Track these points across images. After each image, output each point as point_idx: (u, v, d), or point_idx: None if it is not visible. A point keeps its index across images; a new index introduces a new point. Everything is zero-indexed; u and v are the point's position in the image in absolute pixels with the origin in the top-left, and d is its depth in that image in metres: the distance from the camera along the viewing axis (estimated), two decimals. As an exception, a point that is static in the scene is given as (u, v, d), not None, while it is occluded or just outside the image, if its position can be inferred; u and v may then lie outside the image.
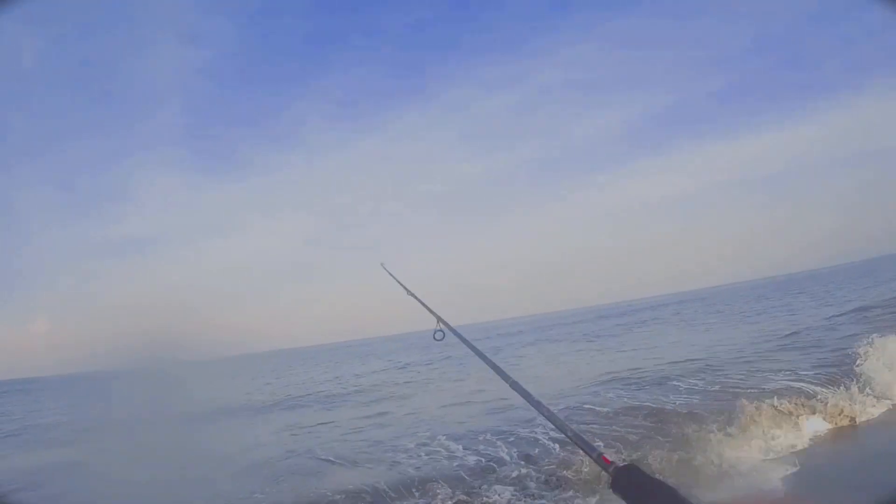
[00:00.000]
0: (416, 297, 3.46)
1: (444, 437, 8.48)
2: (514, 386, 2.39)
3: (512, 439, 7.86)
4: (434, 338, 3.29)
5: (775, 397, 8.19)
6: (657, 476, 1.56)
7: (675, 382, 10.56)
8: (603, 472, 1.63)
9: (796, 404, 8.05)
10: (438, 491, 6.26)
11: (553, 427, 2.04)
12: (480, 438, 8.14)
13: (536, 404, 2.15)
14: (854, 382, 8.74)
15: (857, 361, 9.35)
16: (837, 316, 18.23)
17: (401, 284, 3.65)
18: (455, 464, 7.26)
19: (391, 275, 3.77)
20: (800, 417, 7.76)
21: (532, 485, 6.27)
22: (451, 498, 6.10)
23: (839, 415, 7.87)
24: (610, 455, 1.66)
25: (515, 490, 6.16)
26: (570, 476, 6.24)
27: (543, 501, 5.93)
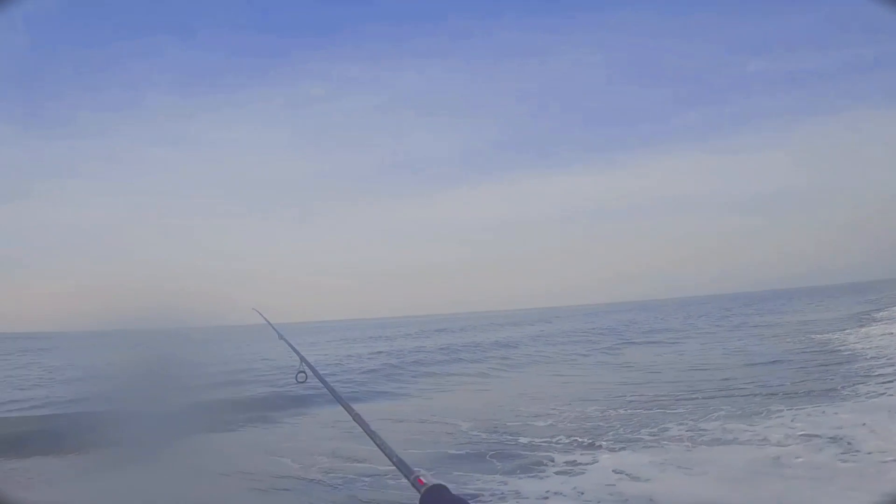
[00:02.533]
0: (287, 343, 3.68)
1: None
2: (357, 419, 2.57)
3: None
4: (297, 380, 3.46)
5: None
6: (463, 496, 1.67)
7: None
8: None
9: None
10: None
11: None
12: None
13: (371, 433, 2.33)
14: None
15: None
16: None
17: (274, 329, 3.86)
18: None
19: (266, 319, 3.96)
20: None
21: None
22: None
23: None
24: (426, 478, 1.74)
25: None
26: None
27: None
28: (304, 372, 3.45)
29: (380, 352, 26.70)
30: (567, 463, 7.53)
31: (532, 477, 7.10)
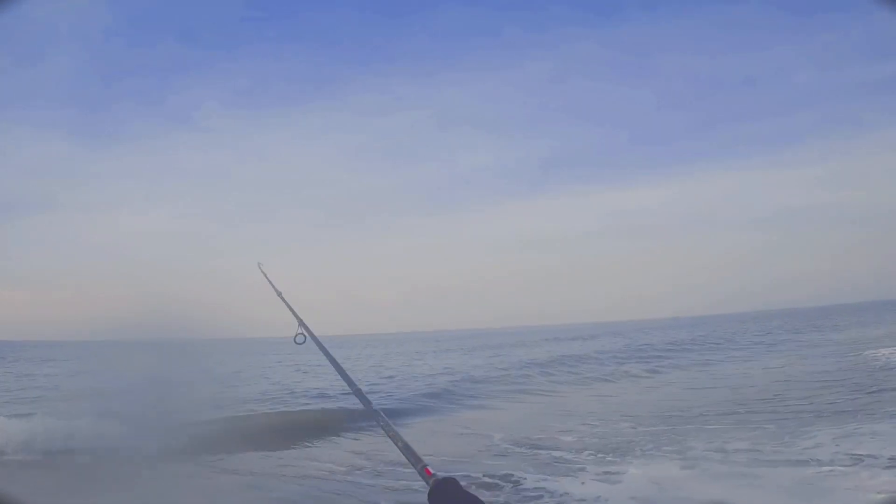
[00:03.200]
0: (283, 300, 3.50)
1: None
2: (358, 394, 2.49)
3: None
4: (295, 341, 3.37)
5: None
6: (471, 491, 1.62)
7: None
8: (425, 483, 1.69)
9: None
10: None
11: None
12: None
13: (374, 413, 2.28)
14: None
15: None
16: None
17: (272, 286, 3.68)
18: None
19: (265, 275, 3.79)
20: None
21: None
22: None
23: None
24: (434, 468, 1.73)
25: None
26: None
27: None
28: (302, 334, 3.39)
29: (478, 364, 25.49)
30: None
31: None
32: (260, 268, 3.99)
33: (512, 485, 7.01)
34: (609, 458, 8.00)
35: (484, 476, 7.38)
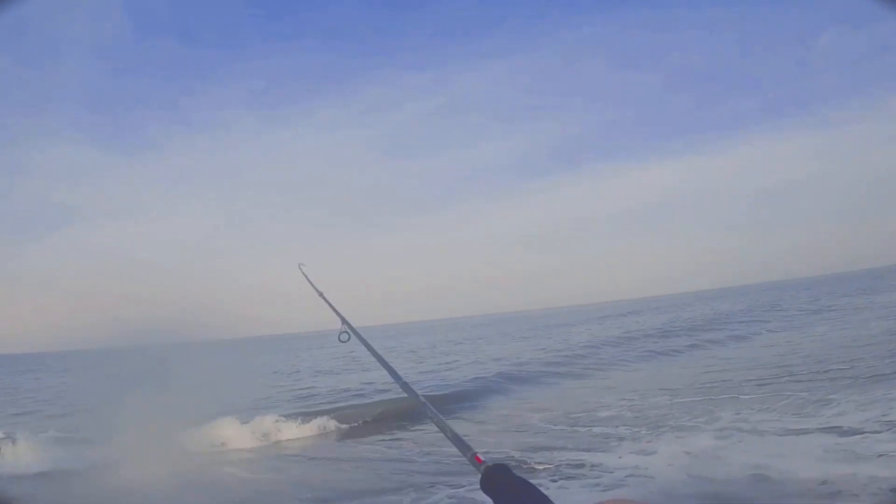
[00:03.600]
0: (326, 300, 3.74)
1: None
2: (405, 387, 2.56)
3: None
4: (339, 339, 3.48)
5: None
6: (523, 476, 1.63)
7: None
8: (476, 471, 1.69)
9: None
10: None
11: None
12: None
13: (422, 405, 2.30)
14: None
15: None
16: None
17: (313, 286, 3.95)
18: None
19: (305, 276, 4.07)
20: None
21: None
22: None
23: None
24: (483, 456, 1.73)
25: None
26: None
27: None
28: (346, 332, 3.48)
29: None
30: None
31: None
32: (300, 269, 4.24)
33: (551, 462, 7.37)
34: (643, 432, 8.28)
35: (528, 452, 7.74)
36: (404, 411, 11.53)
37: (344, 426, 12.02)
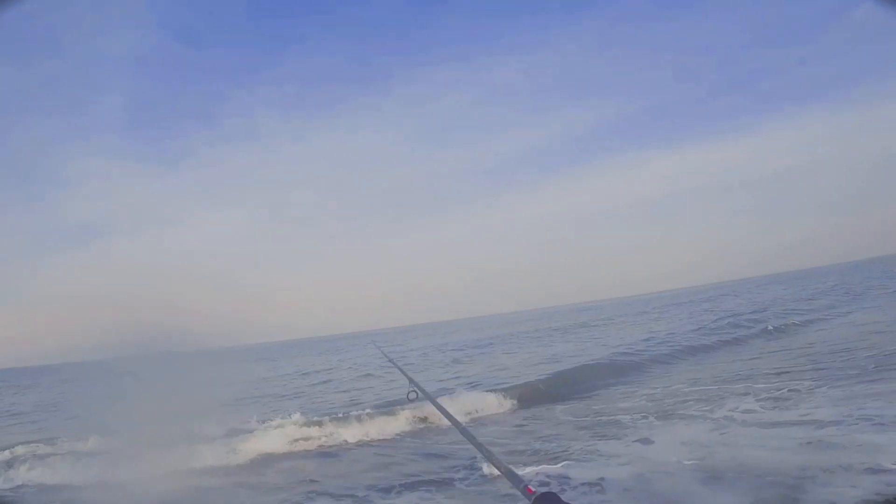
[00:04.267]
0: (397, 366, 4.94)
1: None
2: (464, 432, 2.69)
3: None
4: (408, 398, 3.93)
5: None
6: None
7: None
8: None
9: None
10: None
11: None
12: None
13: (478, 445, 2.44)
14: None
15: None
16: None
17: (387, 358, 5.21)
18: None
19: (380, 349, 5.39)
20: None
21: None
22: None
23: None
24: (535, 486, 1.82)
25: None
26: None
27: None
28: (414, 391, 3.85)
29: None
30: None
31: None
32: (376, 346, 5.51)
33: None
34: (654, 421, 9.81)
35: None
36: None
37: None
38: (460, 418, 3.26)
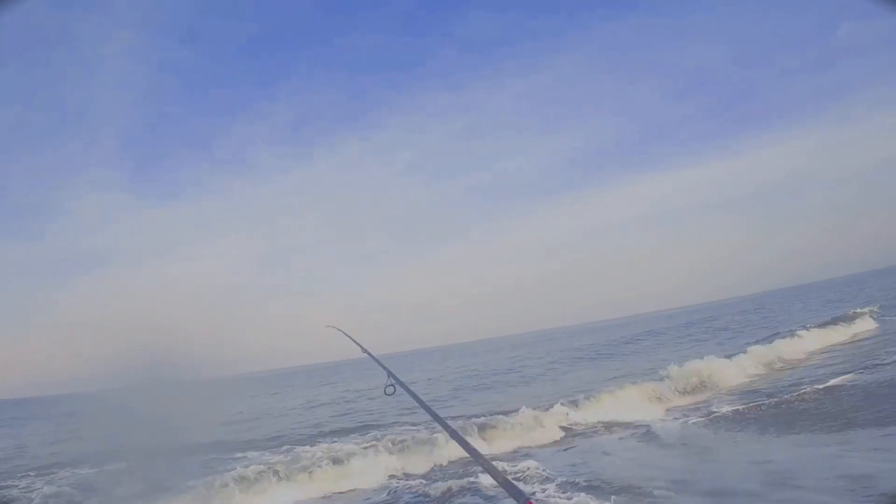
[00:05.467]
0: (370, 355, 3.85)
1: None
2: (454, 435, 2.60)
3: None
4: (385, 392, 3.60)
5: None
6: None
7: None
8: None
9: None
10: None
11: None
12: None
13: (473, 452, 2.35)
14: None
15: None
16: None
17: (356, 343, 4.03)
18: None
19: (346, 334, 4.15)
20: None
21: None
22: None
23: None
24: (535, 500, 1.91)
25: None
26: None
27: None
28: (392, 385, 3.55)
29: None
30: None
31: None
32: (338, 328, 4.33)
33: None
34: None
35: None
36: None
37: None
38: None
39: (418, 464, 10.51)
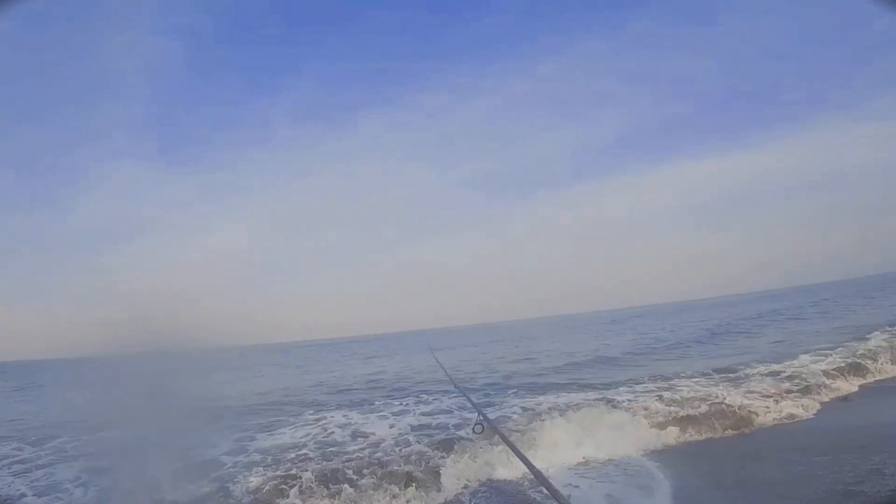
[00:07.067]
0: (464, 395, 3.82)
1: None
2: (538, 476, 2.58)
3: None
4: (473, 430, 3.58)
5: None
6: None
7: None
8: None
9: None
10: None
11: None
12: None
13: (556, 493, 2.33)
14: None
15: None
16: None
17: (449, 378, 4.04)
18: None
19: (440, 364, 4.17)
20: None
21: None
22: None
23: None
24: None
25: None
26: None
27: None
28: (480, 424, 3.47)
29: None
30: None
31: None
32: (433, 354, 4.33)
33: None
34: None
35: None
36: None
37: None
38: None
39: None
